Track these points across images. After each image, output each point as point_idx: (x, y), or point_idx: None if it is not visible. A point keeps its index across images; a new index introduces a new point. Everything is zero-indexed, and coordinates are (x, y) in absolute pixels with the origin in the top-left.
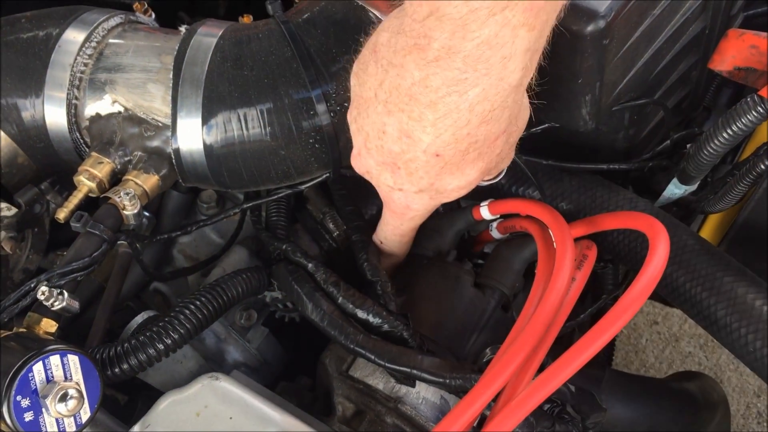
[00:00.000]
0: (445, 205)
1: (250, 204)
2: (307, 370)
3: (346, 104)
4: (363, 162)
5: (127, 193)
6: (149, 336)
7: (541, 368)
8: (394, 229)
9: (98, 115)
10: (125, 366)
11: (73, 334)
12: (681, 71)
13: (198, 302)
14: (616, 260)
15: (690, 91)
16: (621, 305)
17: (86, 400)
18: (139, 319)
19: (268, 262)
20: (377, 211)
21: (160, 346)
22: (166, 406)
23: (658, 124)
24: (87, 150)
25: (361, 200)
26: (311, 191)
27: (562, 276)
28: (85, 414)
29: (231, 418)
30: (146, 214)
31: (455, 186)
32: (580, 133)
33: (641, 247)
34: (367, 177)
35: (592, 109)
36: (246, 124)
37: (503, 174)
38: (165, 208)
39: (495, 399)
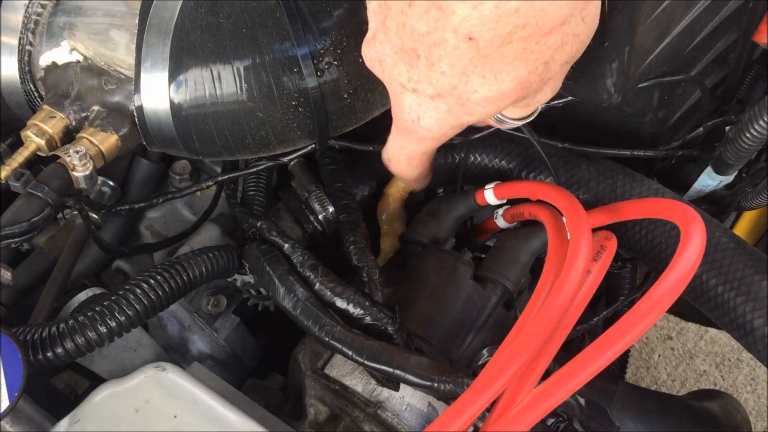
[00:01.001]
0: (445, 188)
1: (226, 176)
2: (282, 367)
3: (335, 63)
4: (377, 48)
5: (78, 152)
6: (91, 316)
7: (546, 375)
8: (402, 149)
9: (54, 65)
10: (59, 350)
11: (20, 314)
12: (718, 50)
13: (152, 280)
14: (637, 258)
15: (726, 76)
16: (644, 305)
17: (4, 388)
18: (82, 296)
19: (242, 243)
20: (370, 191)
21: (103, 329)
22: (101, 398)
23: (689, 110)
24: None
25: (354, 178)
26: (296, 166)
27: (576, 266)
28: (3, 403)
29: (175, 416)
30: (110, 183)
31: (482, 96)
32: (602, 114)
33: (667, 243)
34: (377, 71)
35: (618, 79)
36: (219, 81)
37: (536, 113)
38: (132, 177)
39: (490, 408)
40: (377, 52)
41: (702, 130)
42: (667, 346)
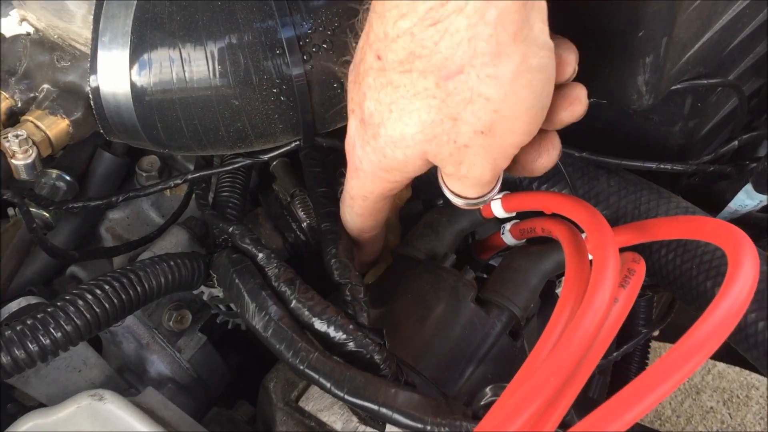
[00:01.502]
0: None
1: (197, 174)
2: (253, 395)
3: (325, 46)
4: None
5: (18, 136)
6: (20, 331)
7: (563, 426)
8: (347, 183)
9: (1, 37)
10: None
11: None
12: (757, 54)
13: (99, 291)
14: (661, 285)
15: (762, 86)
16: (687, 345)
17: None
18: (14, 305)
19: (212, 251)
20: None
21: (33, 347)
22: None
23: (721, 121)
24: None
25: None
26: (279, 167)
27: (601, 293)
28: None
29: None
30: (66, 177)
31: (388, 134)
32: (624, 122)
33: (699, 270)
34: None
35: (652, 77)
36: (189, 61)
37: (485, 198)
38: (93, 172)
39: None
40: (349, 69)
41: (736, 143)
42: None
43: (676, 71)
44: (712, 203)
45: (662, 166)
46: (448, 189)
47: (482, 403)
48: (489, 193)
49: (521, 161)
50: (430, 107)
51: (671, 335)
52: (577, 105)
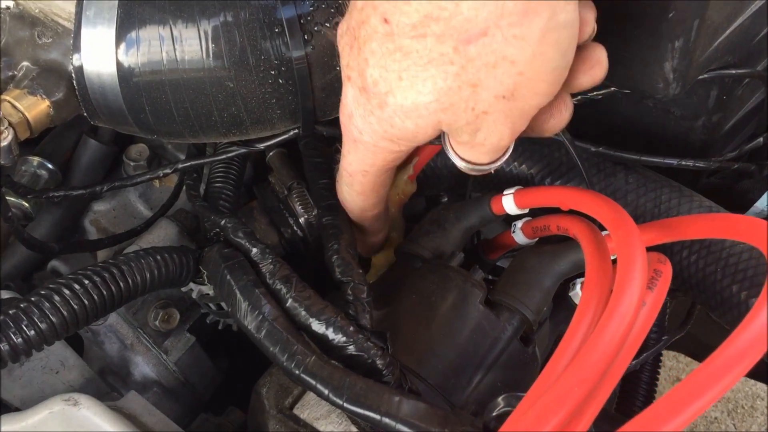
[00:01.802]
0: (450, 194)
1: (188, 163)
2: (244, 400)
3: (327, 25)
4: (342, 24)
5: None
6: None
7: None
8: (343, 159)
9: None
10: None
11: None
12: None
13: (77, 285)
14: (680, 290)
15: None
16: (724, 358)
17: None
18: None
19: (203, 245)
20: None
21: (4, 346)
22: None
23: (745, 116)
24: None
25: None
26: (276, 158)
27: (629, 295)
28: None
29: None
30: (48, 165)
31: (398, 103)
32: (642, 116)
33: (724, 273)
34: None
35: (680, 63)
36: (181, 40)
37: (497, 164)
38: (77, 160)
39: None
40: (339, 28)
41: (761, 140)
42: None
43: (705, 58)
44: (734, 203)
45: (684, 162)
46: (457, 156)
47: (494, 414)
48: (502, 156)
49: (530, 122)
50: (446, 74)
51: (680, 343)
52: (597, 68)
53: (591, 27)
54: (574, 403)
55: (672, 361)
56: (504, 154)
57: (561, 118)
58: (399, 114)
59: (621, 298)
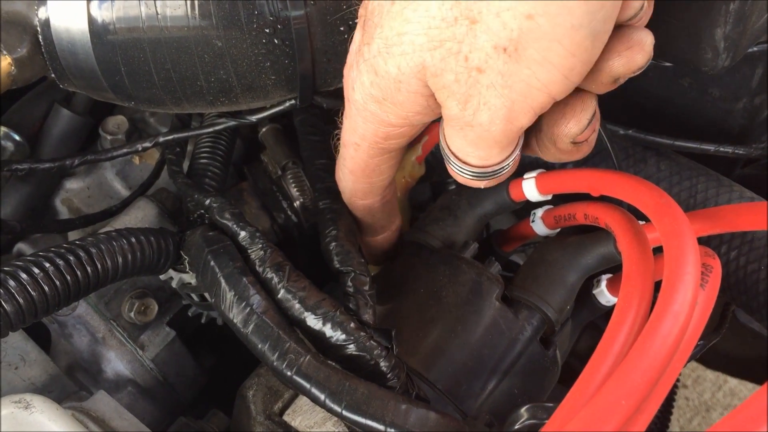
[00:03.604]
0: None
1: (171, 136)
2: (229, 402)
3: None
4: None
5: None
6: None
7: None
8: (344, 127)
9: None
10: None
11: None
12: None
13: (37, 269)
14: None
15: None
16: None
17: None
18: None
19: (185, 228)
20: None
21: None
22: None
23: None
24: None
25: None
26: (270, 135)
27: (682, 293)
28: None
29: None
30: (14, 136)
31: (378, 46)
32: (677, 97)
33: (767, 275)
34: None
35: (734, 30)
36: None
37: (496, 172)
38: (48, 132)
39: None
40: None
41: None
42: (681, 396)
43: (759, 26)
44: None
45: (722, 149)
46: (449, 148)
47: (517, 427)
48: (498, 164)
49: (543, 125)
50: (430, 32)
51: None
52: (636, 51)
53: (640, 3)
54: (621, 419)
55: None
56: (504, 159)
57: (578, 123)
58: (383, 51)
59: (674, 295)
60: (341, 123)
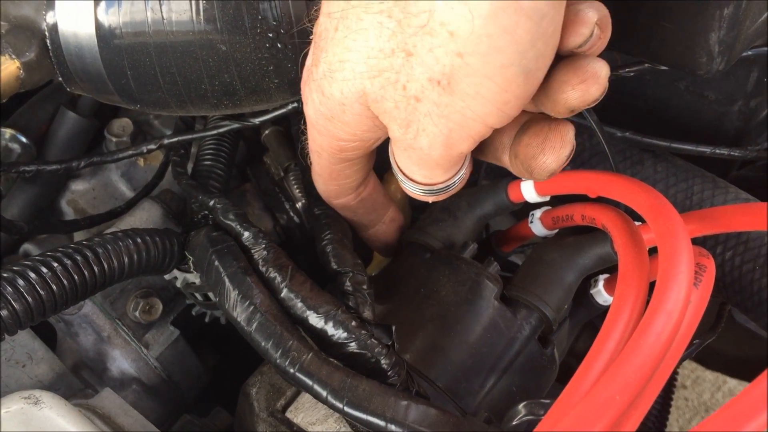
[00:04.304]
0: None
1: (175, 139)
2: (232, 401)
3: None
4: None
5: None
6: None
7: None
8: (312, 150)
9: None
10: None
11: None
12: None
13: (45, 268)
14: (714, 290)
15: None
16: None
17: None
18: None
19: (189, 229)
20: None
21: None
22: None
23: None
24: None
25: None
26: (272, 137)
27: (675, 292)
28: None
29: None
30: (21, 138)
31: (323, 70)
32: (673, 100)
33: (762, 273)
34: None
35: (728, 34)
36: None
37: (443, 188)
38: (54, 134)
39: None
40: None
41: None
42: (680, 396)
43: (753, 31)
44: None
45: (718, 151)
46: (396, 165)
47: (515, 422)
48: (443, 183)
49: (520, 154)
50: (381, 28)
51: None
52: (591, 83)
53: (587, 31)
54: (615, 413)
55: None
56: (450, 178)
57: (556, 156)
58: (327, 75)
59: (667, 293)
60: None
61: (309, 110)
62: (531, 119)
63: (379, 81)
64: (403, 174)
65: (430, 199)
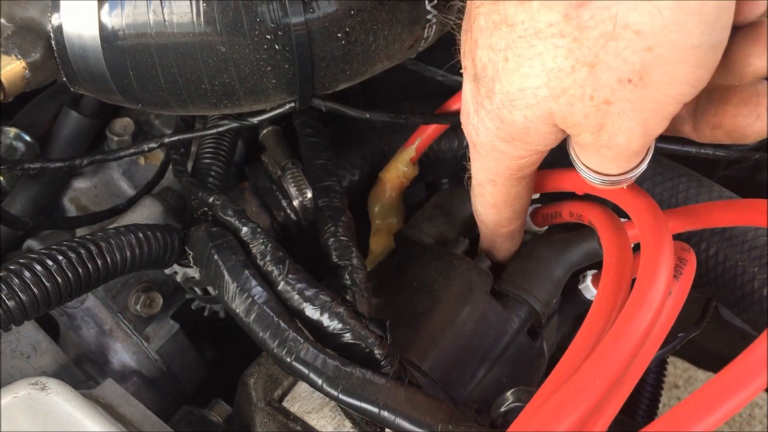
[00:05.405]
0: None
1: (175, 138)
2: (231, 392)
3: None
4: None
5: None
6: None
7: None
8: (473, 162)
9: None
10: None
11: None
12: None
13: (50, 261)
14: (698, 285)
15: None
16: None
17: None
18: None
19: (189, 225)
20: (361, 175)
21: None
22: None
23: None
24: None
25: (342, 156)
26: (270, 136)
27: (656, 284)
28: None
29: None
30: (25, 137)
31: (496, 72)
32: None
33: (745, 268)
34: None
35: None
36: (170, 1)
37: (630, 175)
38: (57, 133)
39: None
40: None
41: None
42: (672, 396)
43: None
44: (752, 197)
45: (703, 150)
46: (582, 163)
47: (502, 409)
48: (636, 167)
49: (727, 124)
50: (556, 50)
51: (680, 348)
52: None
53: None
54: (595, 398)
55: (669, 367)
56: (641, 161)
57: (750, 114)
58: (506, 104)
59: (648, 285)
60: (469, 165)
61: (481, 139)
62: (715, 88)
63: (564, 99)
64: (592, 170)
65: (626, 185)
